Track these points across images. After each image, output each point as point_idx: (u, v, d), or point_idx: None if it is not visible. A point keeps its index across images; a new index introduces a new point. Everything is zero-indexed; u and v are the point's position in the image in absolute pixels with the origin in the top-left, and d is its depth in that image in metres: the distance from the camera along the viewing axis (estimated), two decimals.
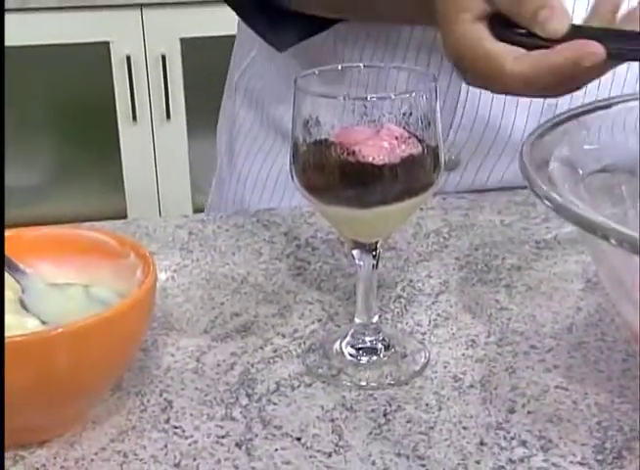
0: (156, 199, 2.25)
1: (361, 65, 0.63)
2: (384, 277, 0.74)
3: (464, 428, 0.57)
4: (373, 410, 0.59)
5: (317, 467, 0.54)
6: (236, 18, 0.93)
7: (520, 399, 0.59)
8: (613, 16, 0.62)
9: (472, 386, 0.61)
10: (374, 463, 0.54)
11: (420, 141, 0.57)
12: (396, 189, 0.57)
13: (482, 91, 0.84)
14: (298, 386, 0.61)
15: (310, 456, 0.55)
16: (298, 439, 0.56)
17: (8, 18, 1.99)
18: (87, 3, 2.06)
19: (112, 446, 0.56)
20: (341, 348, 0.64)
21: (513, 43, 0.62)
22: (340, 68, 0.62)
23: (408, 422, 0.57)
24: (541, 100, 0.85)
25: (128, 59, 2.12)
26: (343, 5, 0.82)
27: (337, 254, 0.78)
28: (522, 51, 0.61)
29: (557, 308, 0.69)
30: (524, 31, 0.62)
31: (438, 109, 0.58)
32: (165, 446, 0.56)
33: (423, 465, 0.54)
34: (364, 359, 0.63)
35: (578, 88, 0.65)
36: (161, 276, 0.73)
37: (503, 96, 0.85)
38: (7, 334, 0.51)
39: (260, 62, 0.99)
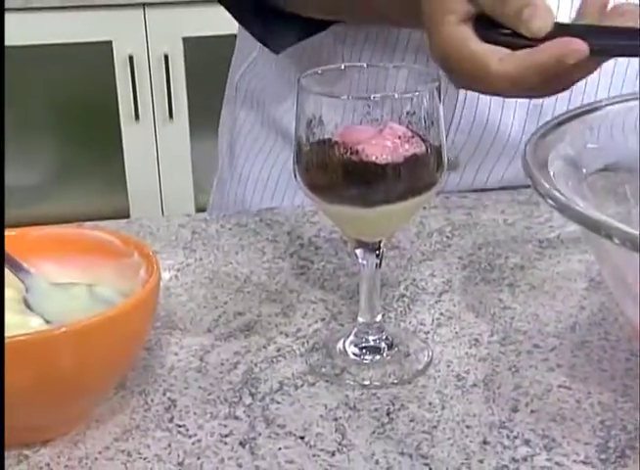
0: (158, 198, 2.25)
1: (364, 64, 0.63)
2: (387, 276, 0.74)
3: (467, 427, 0.57)
4: (376, 409, 0.59)
5: (320, 466, 0.54)
6: None
7: (523, 398, 0.59)
8: (600, 16, 0.62)
9: (475, 385, 0.61)
10: (377, 462, 0.54)
11: (423, 140, 0.57)
12: (400, 188, 0.57)
13: (480, 99, 0.84)
14: (302, 385, 0.61)
15: (314, 455, 0.55)
16: (302, 438, 0.56)
17: (11, 17, 2.00)
18: (90, 2, 2.06)
19: (115, 445, 0.56)
20: (344, 347, 0.64)
21: (498, 43, 0.62)
22: (342, 67, 0.62)
23: (411, 421, 0.57)
24: (539, 101, 0.85)
25: (131, 58, 2.12)
26: (338, 7, 0.82)
27: (340, 253, 0.78)
28: (506, 51, 0.61)
29: (560, 308, 0.69)
30: (508, 31, 0.62)
31: (442, 108, 0.58)
32: (169, 444, 0.56)
33: (426, 464, 0.54)
34: (367, 358, 0.63)
35: (566, 88, 0.65)
36: (165, 275, 0.73)
37: (501, 99, 0.85)
38: (11, 333, 0.51)
39: (261, 63, 0.99)
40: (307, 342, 0.66)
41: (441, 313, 0.69)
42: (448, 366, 0.63)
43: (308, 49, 0.90)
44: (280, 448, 0.55)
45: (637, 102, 0.64)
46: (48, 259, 0.62)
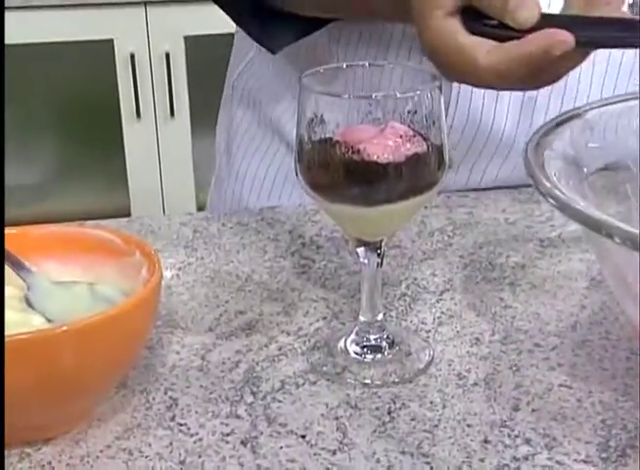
0: (159, 196, 2.25)
1: (366, 63, 0.63)
2: (388, 275, 0.74)
3: (468, 426, 0.57)
4: (377, 408, 0.59)
5: (322, 465, 0.54)
6: None
7: (524, 397, 0.59)
8: (586, 6, 0.62)
9: (476, 384, 0.61)
10: (378, 461, 0.54)
11: (424, 139, 0.57)
12: (401, 187, 0.57)
13: (473, 93, 0.84)
14: (303, 384, 0.61)
15: (315, 454, 0.55)
16: (303, 436, 0.56)
17: (12, 15, 2.01)
18: (91, 1, 2.07)
19: (117, 444, 0.56)
20: (345, 346, 0.64)
21: (485, 35, 0.62)
22: (344, 66, 0.62)
23: (412, 420, 0.57)
24: (533, 99, 0.85)
25: (132, 56, 2.12)
26: (335, 4, 0.82)
27: (341, 251, 0.78)
28: (493, 44, 0.62)
29: (561, 307, 0.69)
30: (495, 23, 0.62)
31: (443, 107, 0.58)
32: (171, 443, 0.56)
33: (427, 463, 0.54)
34: (369, 357, 0.63)
35: (555, 80, 0.65)
36: (166, 274, 0.73)
37: (494, 97, 0.85)
38: (12, 332, 0.51)
39: (258, 62, 0.99)
40: (309, 340, 0.66)
41: (442, 312, 0.69)
42: (449, 365, 0.63)
43: (303, 49, 0.90)
44: (281, 447, 0.55)
45: (637, 101, 0.64)
46: (49, 258, 0.62)
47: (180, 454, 0.55)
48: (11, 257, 0.59)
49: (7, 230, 0.60)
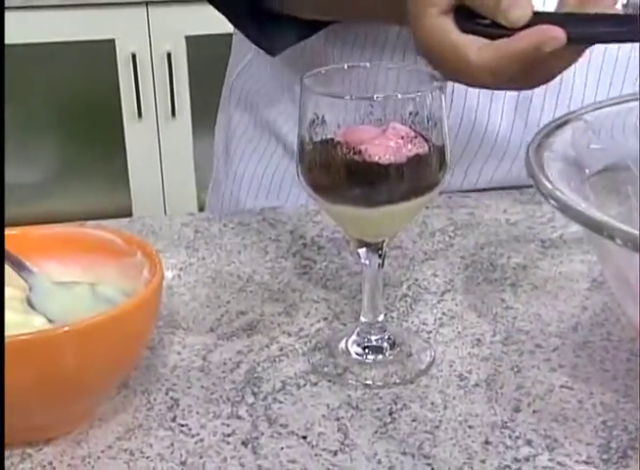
0: (161, 196, 2.25)
1: (367, 64, 0.63)
2: (389, 276, 0.74)
3: (469, 427, 0.57)
4: (378, 409, 0.59)
5: (323, 465, 0.54)
6: None
7: (525, 398, 0.59)
8: (579, 4, 0.62)
9: (477, 385, 0.61)
10: (379, 462, 0.54)
11: (426, 140, 0.57)
12: (402, 188, 0.57)
13: (468, 93, 0.84)
14: (304, 384, 0.61)
15: (316, 455, 0.55)
16: (304, 437, 0.56)
17: (13, 15, 2.01)
18: (93, 1, 2.07)
19: (118, 445, 0.56)
20: (346, 346, 0.64)
21: (477, 34, 0.62)
22: (346, 66, 0.62)
23: (414, 421, 0.57)
24: (527, 101, 0.85)
25: (134, 56, 2.12)
26: (333, 6, 0.82)
27: (342, 252, 0.78)
28: (485, 41, 0.62)
29: (562, 308, 0.69)
30: (488, 22, 0.62)
31: (444, 108, 0.58)
32: (172, 444, 0.56)
33: (428, 464, 0.54)
34: (370, 358, 0.63)
35: (549, 79, 0.65)
36: (168, 274, 0.73)
37: (488, 98, 0.85)
38: (14, 332, 0.51)
39: (256, 64, 1.00)
40: (310, 341, 0.66)
41: (444, 313, 0.69)
42: (451, 366, 0.63)
43: (299, 51, 0.90)
44: (282, 448, 0.55)
45: (637, 102, 0.64)
46: (51, 259, 0.62)
47: (181, 455, 0.55)
48: (12, 257, 0.59)
49: (8, 231, 0.60)
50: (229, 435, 0.57)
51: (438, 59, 0.63)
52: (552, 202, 0.52)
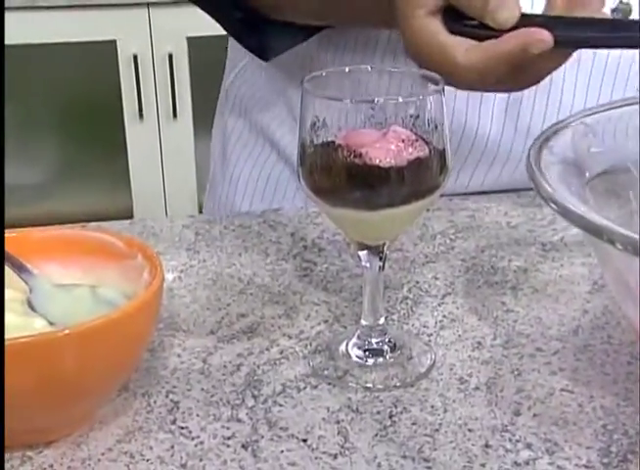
0: (162, 197, 2.26)
1: (369, 67, 0.63)
2: (390, 278, 0.74)
3: (469, 430, 0.57)
4: (379, 412, 0.59)
5: (323, 469, 0.54)
6: None
7: (525, 401, 0.59)
8: (567, 8, 0.63)
9: (477, 388, 0.61)
10: (379, 465, 0.54)
11: (427, 143, 0.58)
12: (403, 192, 0.57)
13: (456, 99, 0.84)
14: (304, 387, 0.61)
15: (316, 458, 0.55)
16: (304, 440, 0.56)
17: (15, 16, 2.01)
18: (95, 2, 2.07)
19: (118, 447, 0.56)
20: (347, 349, 0.64)
21: (465, 35, 0.63)
22: (347, 70, 0.62)
23: (414, 424, 0.57)
24: (517, 106, 0.85)
25: (135, 57, 2.12)
26: (327, 13, 0.82)
27: (343, 254, 0.78)
28: (472, 42, 0.62)
29: (563, 311, 0.69)
30: (476, 23, 0.62)
31: (445, 111, 0.58)
32: (172, 446, 0.56)
33: (428, 467, 0.54)
34: (370, 361, 0.63)
35: (536, 81, 0.65)
36: (168, 276, 0.73)
37: (478, 103, 0.85)
38: (14, 335, 0.51)
39: (251, 70, 1.00)
40: (310, 344, 0.66)
41: (444, 316, 0.69)
42: (451, 369, 0.63)
43: (292, 56, 0.90)
44: (282, 451, 0.55)
45: (638, 106, 0.64)
46: (51, 261, 0.62)
47: (181, 458, 0.55)
48: (13, 259, 0.59)
49: (8, 233, 0.60)
50: (229, 438, 0.57)
51: (426, 60, 0.64)
52: (552, 205, 0.52)
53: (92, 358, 0.54)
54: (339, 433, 0.57)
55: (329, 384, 0.61)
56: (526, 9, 0.64)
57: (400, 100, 0.57)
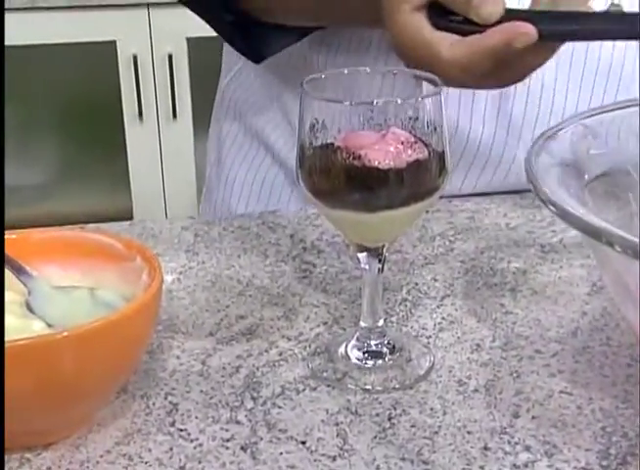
0: (162, 198, 2.26)
1: (367, 69, 0.63)
2: (389, 280, 0.74)
3: (468, 432, 0.57)
4: (377, 414, 0.59)
5: None
6: None
7: (524, 403, 0.59)
8: (552, 3, 0.63)
9: (476, 390, 0.61)
10: (378, 467, 0.54)
11: (426, 145, 0.57)
12: (402, 194, 0.57)
13: (449, 103, 0.84)
14: (304, 389, 0.61)
15: (315, 460, 0.55)
16: (303, 442, 0.56)
17: (15, 17, 2.01)
18: (94, 2, 2.07)
19: (117, 449, 0.56)
20: (346, 351, 0.64)
21: (450, 30, 0.63)
22: (346, 71, 0.62)
23: (413, 426, 0.57)
24: (508, 109, 0.85)
25: (135, 58, 2.12)
26: (319, 14, 0.82)
27: (342, 256, 0.78)
28: (457, 38, 0.62)
29: (562, 313, 0.69)
30: (460, 18, 0.62)
31: (444, 113, 0.58)
32: (171, 449, 0.56)
33: None
34: (369, 363, 0.63)
35: (522, 76, 0.65)
36: (167, 278, 0.73)
37: (469, 109, 0.85)
38: (13, 337, 0.51)
39: (246, 73, 1.00)
40: (309, 346, 0.66)
41: (443, 318, 0.69)
42: (450, 371, 0.63)
43: (285, 58, 0.90)
44: (281, 453, 0.55)
45: (637, 108, 0.64)
46: (50, 263, 0.62)
47: (180, 460, 0.55)
48: (12, 261, 0.59)
49: (8, 234, 0.61)
50: (228, 440, 0.57)
51: (412, 56, 0.64)
52: (551, 208, 0.52)
53: (91, 361, 0.54)
54: (337, 435, 0.57)
55: (328, 386, 0.61)
56: (513, 4, 0.64)
57: (399, 102, 0.57)
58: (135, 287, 0.58)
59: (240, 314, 0.70)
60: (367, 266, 0.62)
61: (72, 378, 0.54)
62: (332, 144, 0.57)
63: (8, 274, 0.59)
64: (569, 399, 0.60)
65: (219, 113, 1.04)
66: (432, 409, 0.59)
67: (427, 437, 0.57)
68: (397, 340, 0.65)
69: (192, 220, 0.85)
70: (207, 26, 0.94)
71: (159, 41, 2.13)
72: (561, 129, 0.61)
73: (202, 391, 0.61)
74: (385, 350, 0.64)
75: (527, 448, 0.55)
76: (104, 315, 0.54)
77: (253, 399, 0.60)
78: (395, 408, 0.59)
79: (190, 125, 2.19)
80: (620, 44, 0.85)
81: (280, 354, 0.65)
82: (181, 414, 0.59)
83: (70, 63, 2.18)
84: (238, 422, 0.58)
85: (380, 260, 0.62)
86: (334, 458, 0.55)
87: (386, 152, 0.56)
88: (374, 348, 0.64)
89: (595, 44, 0.84)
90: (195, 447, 0.56)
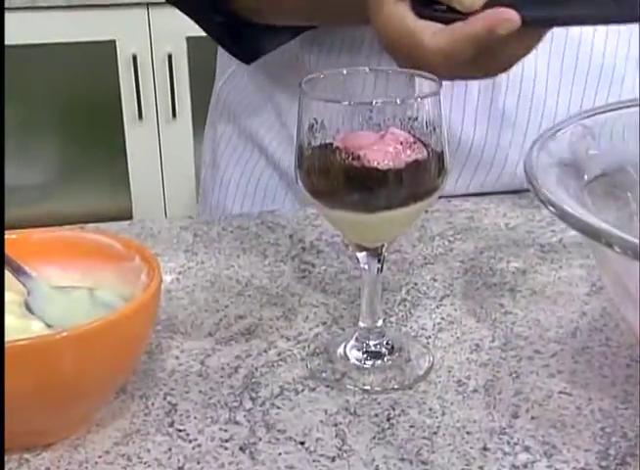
0: (161, 197, 2.26)
1: (366, 68, 0.63)
2: (388, 280, 0.74)
3: (467, 433, 0.57)
4: (376, 415, 0.59)
5: None
6: None
7: (523, 404, 0.59)
8: None
9: (475, 390, 0.61)
10: (377, 468, 0.54)
11: (425, 146, 0.57)
12: (401, 194, 0.57)
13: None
14: (302, 390, 0.61)
15: (314, 460, 0.55)
16: (302, 443, 0.56)
17: (15, 16, 2.00)
18: (94, 2, 2.07)
19: (116, 450, 0.56)
20: (345, 351, 0.64)
21: (435, 20, 0.63)
22: (345, 72, 0.62)
23: (412, 427, 0.57)
24: (500, 109, 0.85)
25: (134, 58, 2.12)
26: (310, 13, 0.82)
27: (341, 256, 0.78)
28: (441, 26, 0.62)
29: (561, 313, 0.69)
30: (444, 7, 0.62)
31: (444, 113, 0.58)
32: (169, 449, 0.56)
33: None
34: (368, 363, 0.63)
35: (508, 65, 0.65)
36: (166, 278, 0.73)
37: (461, 111, 0.85)
38: (12, 337, 0.51)
39: (239, 76, 1.00)
40: (308, 346, 0.66)
41: (442, 318, 0.69)
42: (449, 372, 0.63)
43: (277, 58, 0.90)
44: (280, 454, 0.55)
45: (637, 108, 0.64)
46: (49, 263, 0.62)
47: (179, 460, 0.55)
48: (11, 261, 0.59)
49: (8, 234, 0.60)
50: (227, 440, 0.57)
51: (396, 46, 0.64)
52: (550, 208, 0.52)
53: (90, 361, 0.54)
54: (336, 435, 0.57)
55: (327, 386, 0.61)
56: None
57: (398, 102, 0.57)
58: (134, 287, 0.58)
59: (239, 314, 0.70)
60: (366, 266, 0.62)
61: (72, 378, 0.54)
62: (331, 144, 0.57)
63: (7, 275, 0.59)
64: (568, 400, 0.60)
65: (214, 115, 1.05)
66: (431, 410, 0.59)
67: (426, 437, 0.56)
68: (396, 340, 0.65)
69: (191, 220, 0.85)
70: None
71: (158, 41, 2.13)
72: (560, 130, 0.61)
73: (200, 391, 0.61)
74: (384, 350, 0.64)
75: (527, 449, 0.55)
76: (103, 316, 0.54)
77: (252, 399, 0.60)
78: (394, 409, 0.59)
79: (189, 125, 2.19)
80: (612, 44, 0.85)
81: (279, 355, 0.65)
82: (180, 415, 0.59)
83: (70, 62, 2.18)
84: (237, 422, 0.58)
85: (379, 260, 0.62)
86: (333, 459, 0.55)
87: (385, 152, 0.56)
88: (373, 348, 0.64)
89: (586, 45, 0.84)
90: (193, 448, 0.56)
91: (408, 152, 0.57)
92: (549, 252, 0.79)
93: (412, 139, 0.57)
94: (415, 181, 0.57)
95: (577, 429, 0.57)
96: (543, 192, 0.53)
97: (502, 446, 0.56)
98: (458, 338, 0.66)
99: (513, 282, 0.74)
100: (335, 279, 0.75)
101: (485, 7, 0.61)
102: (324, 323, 0.68)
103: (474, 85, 0.84)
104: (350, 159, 0.56)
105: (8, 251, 0.59)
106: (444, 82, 0.58)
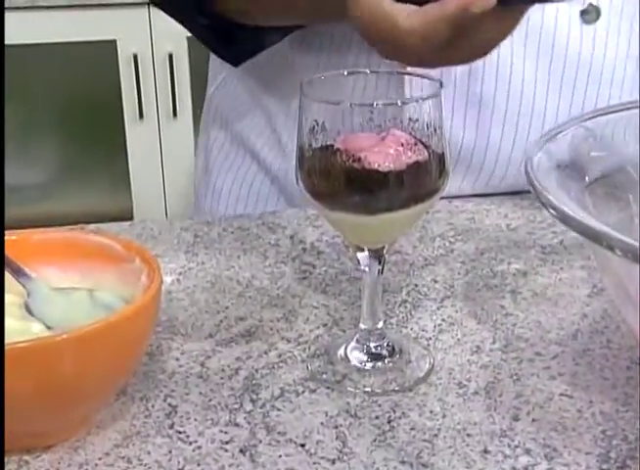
0: (162, 197, 2.25)
1: (367, 70, 0.63)
2: (389, 281, 0.74)
3: (468, 435, 0.57)
4: (377, 417, 0.58)
5: None
6: None
7: (524, 406, 0.59)
8: None
9: (476, 393, 0.61)
10: None
11: (426, 147, 0.57)
12: (402, 196, 0.57)
13: None
14: (303, 392, 0.61)
15: (314, 463, 0.55)
16: (302, 445, 0.56)
17: (15, 16, 2.00)
18: (95, 1, 2.06)
19: (116, 452, 0.56)
20: (345, 353, 0.64)
21: (410, 2, 0.62)
22: (345, 73, 0.62)
23: (412, 429, 0.57)
24: (488, 112, 0.85)
25: (135, 57, 2.12)
26: (297, 12, 0.82)
27: (342, 257, 0.78)
28: (415, 7, 0.61)
29: (562, 315, 0.69)
30: None
31: (444, 115, 0.58)
32: (170, 451, 0.56)
33: None
34: (369, 365, 0.63)
35: (487, 47, 0.64)
36: (167, 279, 0.73)
37: (450, 114, 0.84)
38: (12, 339, 0.51)
39: (230, 82, 1.00)
40: (309, 348, 0.66)
41: (443, 320, 0.69)
42: (450, 374, 0.63)
43: (266, 59, 0.90)
44: (280, 456, 0.55)
45: (637, 110, 0.64)
46: (49, 264, 0.62)
47: (179, 462, 0.55)
48: (10, 263, 0.59)
49: (8, 235, 0.60)
50: (227, 442, 0.56)
51: (373, 31, 0.63)
52: (551, 211, 0.52)
53: (90, 363, 0.53)
54: (337, 438, 0.57)
55: (327, 388, 0.61)
56: None
57: (399, 103, 0.57)
58: (134, 288, 0.58)
59: (239, 316, 0.70)
60: (367, 268, 0.62)
61: (72, 380, 0.53)
62: (331, 146, 0.57)
63: (7, 276, 0.59)
64: (569, 402, 0.59)
65: (206, 122, 1.05)
66: (431, 412, 0.59)
67: (426, 440, 0.56)
68: (397, 342, 0.65)
69: (191, 221, 0.85)
70: None
71: (159, 40, 2.12)
72: (561, 132, 0.61)
73: (201, 393, 0.61)
74: (384, 352, 0.64)
75: (527, 452, 0.55)
76: (103, 317, 0.54)
77: (253, 401, 0.60)
78: (395, 411, 0.59)
79: (190, 124, 2.19)
80: (600, 46, 0.84)
81: (279, 356, 0.65)
82: (180, 416, 0.59)
83: (71, 62, 2.18)
84: (237, 424, 0.58)
85: (380, 262, 0.62)
86: (333, 461, 0.55)
87: (385, 154, 0.56)
88: (373, 350, 0.64)
89: (574, 49, 0.83)
90: (194, 450, 0.56)
91: (409, 153, 0.56)
92: (550, 253, 0.78)
93: (413, 141, 0.57)
94: (416, 183, 0.57)
95: (578, 432, 0.57)
96: (544, 194, 0.53)
97: (503, 448, 0.56)
98: (459, 340, 0.66)
99: (514, 284, 0.74)
100: (335, 280, 0.74)
101: None
102: (324, 325, 0.68)
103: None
104: (351, 161, 0.56)
105: (8, 252, 0.59)
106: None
